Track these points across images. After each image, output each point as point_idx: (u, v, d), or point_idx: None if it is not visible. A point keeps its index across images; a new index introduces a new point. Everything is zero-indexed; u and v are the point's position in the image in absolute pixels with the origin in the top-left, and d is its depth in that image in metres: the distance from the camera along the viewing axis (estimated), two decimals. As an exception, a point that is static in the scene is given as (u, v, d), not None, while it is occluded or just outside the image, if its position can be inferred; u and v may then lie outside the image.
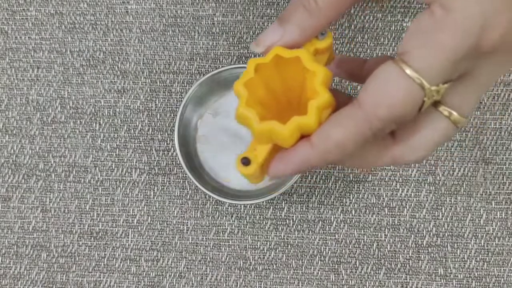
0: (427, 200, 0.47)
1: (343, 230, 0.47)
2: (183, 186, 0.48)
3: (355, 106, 0.24)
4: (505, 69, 0.24)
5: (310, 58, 0.26)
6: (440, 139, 0.26)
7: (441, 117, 0.25)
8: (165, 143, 0.48)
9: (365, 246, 0.47)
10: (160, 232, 0.47)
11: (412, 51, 0.23)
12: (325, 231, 0.47)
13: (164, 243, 0.47)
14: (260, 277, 0.47)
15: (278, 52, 0.26)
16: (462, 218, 0.47)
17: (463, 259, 0.46)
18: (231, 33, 0.49)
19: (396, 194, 0.47)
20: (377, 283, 0.46)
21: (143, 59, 0.49)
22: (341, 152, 0.24)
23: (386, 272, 0.47)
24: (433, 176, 0.47)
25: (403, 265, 0.47)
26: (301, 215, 0.47)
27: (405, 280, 0.46)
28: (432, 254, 0.47)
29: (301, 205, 0.47)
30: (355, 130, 0.24)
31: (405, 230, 0.47)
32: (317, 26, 0.26)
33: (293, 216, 0.47)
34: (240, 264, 0.47)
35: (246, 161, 0.27)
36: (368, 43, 0.48)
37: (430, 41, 0.22)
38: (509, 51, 0.23)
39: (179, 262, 0.47)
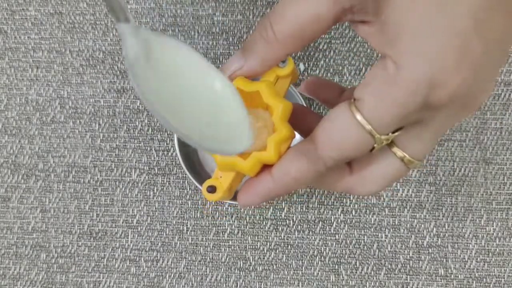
0: (428, 200, 0.47)
1: (344, 231, 0.47)
2: (183, 186, 0.48)
3: (310, 143, 0.25)
4: (459, 119, 0.25)
5: (269, 92, 0.27)
6: (392, 177, 0.27)
7: (394, 157, 0.26)
8: (165, 143, 0.48)
9: (365, 247, 0.47)
10: (159, 233, 0.47)
11: (365, 99, 0.23)
12: (325, 232, 0.47)
13: (164, 243, 0.47)
14: (260, 278, 0.47)
15: (239, 86, 0.27)
16: (463, 219, 0.47)
17: (464, 260, 0.46)
18: (231, 32, 0.49)
19: (397, 194, 0.47)
20: (377, 283, 0.46)
21: (142, 59, 0.49)
22: (299, 184, 0.26)
23: (386, 272, 0.46)
24: (434, 176, 0.47)
25: (403, 265, 0.46)
26: (301, 216, 0.47)
27: (406, 281, 0.46)
28: (432, 255, 0.46)
29: (301, 205, 0.47)
30: (310, 166, 0.25)
31: (405, 230, 0.47)
32: (277, 57, 0.27)
33: (293, 217, 0.47)
34: (240, 265, 0.47)
35: (211, 189, 0.28)
36: (368, 43, 0.48)
37: (382, 93, 0.23)
38: (461, 106, 0.24)
39: (179, 263, 0.47)
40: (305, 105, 0.45)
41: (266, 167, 0.27)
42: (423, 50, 0.22)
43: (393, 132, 0.24)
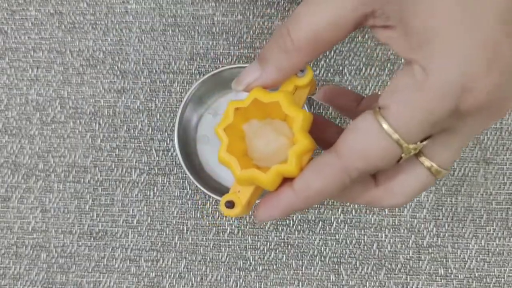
0: (428, 200, 0.47)
1: (344, 231, 0.47)
2: (183, 186, 0.48)
3: (333, 155, 0.24)
4: (486, 126, 0.24)
5: (288, 101, 0.26)
6: (420, 188, 0.26)
7: (422, 167, 0.26)
8: (165, 143, 0.48)
9: (365, 247, 0.47)
10: (160, 233, 0.47)
11: (392, 107, 0.23)
12: (325, 232, 0.47)
13: (164, 243, 0.47)
14: (260, 278, 0.47)
15: (257, 96, 0.26)
16: (463, 218, 0.47)
17: (464, 260, 0.46)
18: (231, 33, 0.49)
19: (397, 194, 0.47)
20: (377, 283, 0.46)
21: (142, 59, 0.49)
22: (322, 198, 0.25)
23: (386, 272, 0.47)
24: (434, 176, 0.47)
25: (403, 265, 0.47)
26: (301, 215, 0.47)
27: (406, 281, 0.46)
28: (432, 255, 0.46)
29: (301, 205, 0.47)
30: (334, 179, 0.24)
31: (405, 230, 0.47)
32: (295, 66, 0.26)
33: (293, 217, 0.47)
34: (240, 265, 0.47)
35: (230, 205, 0.27)
36: (369, 43, 0.48)
37: (409, 100, 0.22)
38: (490, 112, 0.23)
39: (179, 263, 0.47)
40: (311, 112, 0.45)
41: (286, 180, 0.26)
42: (452, 55, 0.21)
43: (421, 141, 0.24)
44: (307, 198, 0.25)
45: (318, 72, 0.48)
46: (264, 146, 0.26)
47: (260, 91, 0.26)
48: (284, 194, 0.26)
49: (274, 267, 0.47)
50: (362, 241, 0.47)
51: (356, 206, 0.47)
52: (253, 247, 0.47)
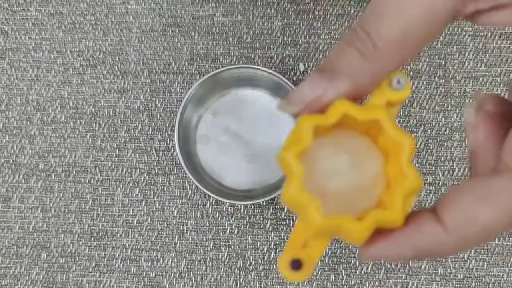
0: (427, 200, 0.47)
1: (343, 230, 0.47)
2: (183, 186, 0.48)
3: (506, 176, 0.18)
4: None
5: (391, 122, 0.20)
6: None
7: None
8: (165, 143, 0.48)
9: (365, 246, 0.47)
10: (160, 232, 0.47)
11: None
12: (325, 231, 0.47)
13: (164, 243, 0.47)
14: (260, 277, 0.47)
15: (348, 111, 0.20)
16: (462, 218, 0.47)
17: (463, 259, 0.46)
18: (231, 33, 0.49)
19: (396, 194, 0.47)
20: (377, 283, 0.46)
21: (143, 59, 0.49)
22: (486, 238, 0.19)
23: (386, 272, 0.47)
24: (433, 176, 0.47)
25: (403, 265, 0.47)
26: (301, 215, 0.47)
27: (405, 280, 0.46)
28: (432, 254, 0.47)
29: (301, 205, 0.47)
30: (511, 207, 0.18)
31: (405, 230, 0.47)
32: (377, 76, 0.20)
33: (293, 216, 0.47)
34: (240, 264, 0.47)
35: (296, 265, 0.20)
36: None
37: None
38: None
39: (179, 262, 0.47)
40: None
41: (378, 233, 0.20)
42: None
43: None
44: (465, 238, 0.18)
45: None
46: (350, 176, 0.20)
47: (349, 104, 0.20)
48: (428, 228, 0.19)
49: (274, 267, 0.47)
50: (362, 241, 0.47)
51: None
52: (253, 247, 0.47)
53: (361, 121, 0.20)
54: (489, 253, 0.46)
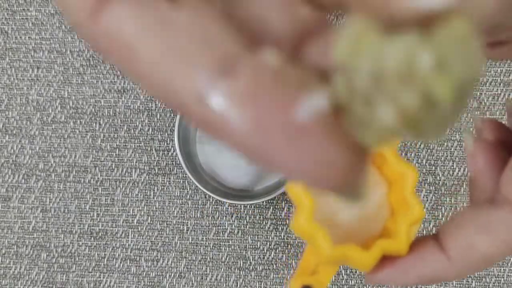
0: (427, 200, 0.47)
1: (343, 230, 0.47)
2: (183, 186, 0.48)
3: (505, 208, 0.19)
4: None
5: (395, 154, 0.21)
6: None
7: None
8: (165, 143, 0.48)
9: (365, 246, 0.47)
10: (160, 232, 0.47)
11: None
12: (325, 231, 0.47)
13: (164, 243, 0.47)
14: (260, 277, 0.47)
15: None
16: (462, 218, 0.47)
17: (463, 259, 0.46)
18: (231, 33, 0.49)
19: (396, 194, 0.47)
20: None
21: (143, 59, 0.49)
22: (487, 266, 0.20)
23: (386, 272, 0.47)
24: (433, 176, 0.47)
25: (403, 265, 0.47)
26: (301, 215, 0.47)
27: (405, 280, 0.46)
28: (432, 254, 0.47)
29: (301, 205, 0.47)
30: (509, 238, 0.19)
31: (405, 230, 0.47)
32: None
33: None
34: (240, 264, 0.47)
35: None
36: None
37: None
38: None
39: (179, 262, 0.47)
40: None
41: (384, 258, 0.20)
42: None
43: None
44: (467, 267, 0.19)
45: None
46: (357, 207, 0.20)
47: None
48: (430, 256, 0.20)
49: (274, 266, 0.47)
50: (362, 240, 0.47)
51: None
52: (253, 247, 0.47)
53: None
54: (489, 253, 0.46)
